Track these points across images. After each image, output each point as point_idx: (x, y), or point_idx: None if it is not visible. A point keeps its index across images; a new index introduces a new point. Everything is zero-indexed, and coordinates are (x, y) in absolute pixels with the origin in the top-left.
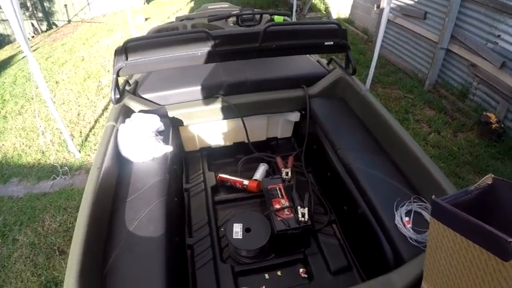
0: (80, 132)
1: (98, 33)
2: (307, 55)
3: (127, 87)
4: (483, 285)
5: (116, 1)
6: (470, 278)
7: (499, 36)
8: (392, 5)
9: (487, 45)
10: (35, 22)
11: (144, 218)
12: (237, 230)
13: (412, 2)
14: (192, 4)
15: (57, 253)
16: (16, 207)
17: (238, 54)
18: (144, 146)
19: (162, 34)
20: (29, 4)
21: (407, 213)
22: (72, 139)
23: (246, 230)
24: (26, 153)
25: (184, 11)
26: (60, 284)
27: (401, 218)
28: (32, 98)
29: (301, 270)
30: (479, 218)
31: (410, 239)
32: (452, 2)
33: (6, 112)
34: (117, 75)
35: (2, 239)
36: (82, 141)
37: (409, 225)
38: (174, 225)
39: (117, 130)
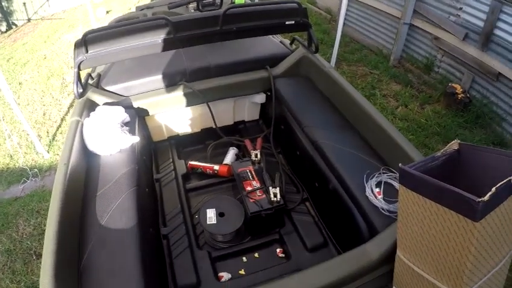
0: (47, 132)
1: (59, 30)
2: (270, 36)
3: (90, 81)
4: (456, 247)
5: None
6: (442, 242)
7: (460, 8)
8: None
9: (450, 18)
10: None
11: (115, 211)
12: (211, 215)
13: None
14: None
15: (34, 257)
16: None
17: (199, 39)
18: (110, 139)
19: (121, 24)
20: None
21: (378, 185)
22: (40, 140)
23: (220, 215)
24: None
25: (146, 1)
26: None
27: (372, 190)
28: None
29: (278, 250)
30: (447, 183)
31: (382, 209)
32: None
33: None
34: (79, 69)
35: None
36: (50, 141)
37: (380, 196)
38: (147, 216)
39: (82, 125)
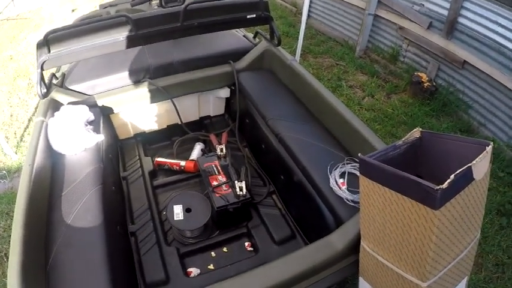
0: (15, 133)
1: (25, 30)
2: (234, 30)
3: (54, 81)
4: (417, 236)
5: None
6: (404, 231)
7: None
8: None
9: (414, 7)
10: None
11: (81, 210)
12: (178, 211)
13: None
14: None
15: (5, 259)
16: None
17: (161, 35)
18: (74, 138)
19: (82, 22)
20: None
21: (342, 175)
22: (7, 141)
23: (187, 211)
24: None
25: None
26: None
27: (336, 181)
28: None
29: (246, 243)
30: (410, 172)
31: (347, 200)
32: None
33: None
34: (42, 69)
35: None
36: (17, 142)
37: (344, 187)
38: (114, 214)
39: (47, 125)
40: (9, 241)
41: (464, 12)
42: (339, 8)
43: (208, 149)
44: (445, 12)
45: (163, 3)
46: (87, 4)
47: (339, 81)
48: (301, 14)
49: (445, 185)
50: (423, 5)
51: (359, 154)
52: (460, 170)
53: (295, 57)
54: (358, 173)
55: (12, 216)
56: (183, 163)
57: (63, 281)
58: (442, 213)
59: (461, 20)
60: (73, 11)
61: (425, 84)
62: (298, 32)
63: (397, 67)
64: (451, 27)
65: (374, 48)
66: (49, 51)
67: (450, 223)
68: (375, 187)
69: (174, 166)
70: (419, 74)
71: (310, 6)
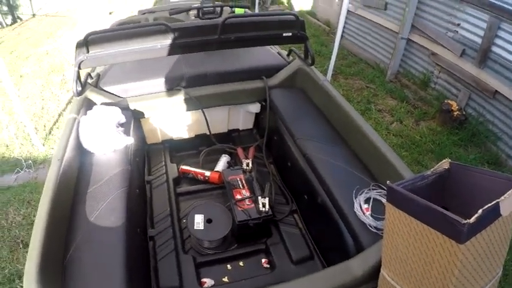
0: (44, 125)
1: (63, 27)
2: (268, 46)
3: (89, 80)
4: (439, 268)
5: None
6: (426, 262)
7: (458, 24)
8: None
9: (447, 33)
10: None
11: (104, 209)
12: (199, 220)
13: None
14: None
15: (21, 246)
16: None
17: (198, 46)
18: (105, 138)
19: (122, 27)
20: None
21: (367, 201)
22: (36, 132)
23: (208, 221)
24: None
25: (149, 5)
26: (23, 276)
27: (361, 206)
28: None
29: (263, 260)
30: (437, 203)
31: (370, 226)
32: None
33: None
34: (79, 68)
35: None
36: (46, 135)
37: (368, 213)
38: (136, 217)
39: (79, 122)
40: (27, 229)
41: (498, 41)
42: (372, 30)
43: (233, 162)
44: (479, 40)
45: (200, 15)
46: (124, 7)
47: (368, 104)
48: (334, 33)
49: (472, 220)
50: (457, 31)
51: (387, 182)
52: (488, 205)
53: (327, 77)
54: (383, 200)
55: (33, 205)
56: (208, 173)
57: (80, 277)
58: (466, 248)
59: (494, 49)
60: (110, 13)
61: (455, 113)
62: (330, 52)
63: (428, 93)
64: (484, 55)
65: (405, 73)
66: (88, 52)
67: (474, 258)
68: (401, 216)
69: (199, 175)
70: (449, 102)
71: (343, 26)
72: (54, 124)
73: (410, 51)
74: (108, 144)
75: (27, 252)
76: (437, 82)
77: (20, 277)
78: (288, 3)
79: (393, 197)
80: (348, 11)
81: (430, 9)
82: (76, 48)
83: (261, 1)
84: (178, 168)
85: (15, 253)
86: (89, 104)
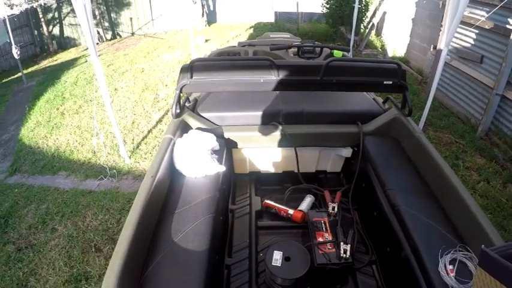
0: (133, 139)
1: (159, 48)
2: (364, 92)
3: (187, 104)
4: None
5: (178, 20)
6: None
7: None
8: (449, 47)
9: None
10: (100, 30)
11: (191, 231)
12: (277, 257)
13: (469, 45)
14: (251, 31)
15: (94, 249)
16: (60, 199)
17: (300, 85)
18: (198, 162)
19: (227, 58)
20: (97, 13)
21: (452, 262)
22: (124, 145)
23: (286, 259)
24: (78, 150)
25: (244, 36)
26: (90, 279)
27: (446, 266)
28: (91, 100)
29: None
30: None
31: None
32: (510, 46)
33: (64, 109)
34: (180, 91)
35: (42, 226)
36: (133, 148)
37: (452, 274)
38: (217, 244)
39: (174, 143)
40: (102, 234)
41: None
42: (466, 83)
43: (318, 204)
44: None
45: (300, 53)
46: (219, 37)
47: (456, 160)
48: (425, 82)
49: None
50: None
51: (482, 246)
52: None
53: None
54: (468, 263)
55: (111, 213)
56: (291, 211)
57: None
58: None
59: None
60: (206, 41)
61: None
62: (421, 101)
63: None
64: None
65: (497, 131)
66: (191, 77)
67: None
68: (492, 283)
69: (282, 212)
70: None
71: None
72: (143, 140)
73: (504, 108)
74: (200, 169)
75: (98, 256)
76: None
77: (88, 279)
78: (381, 48)
79: (486, 263)
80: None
81: None
82: (180, 72)
83: (355, 44)
84: (262, 202)
85: (86, 255)
86: (185, 127)
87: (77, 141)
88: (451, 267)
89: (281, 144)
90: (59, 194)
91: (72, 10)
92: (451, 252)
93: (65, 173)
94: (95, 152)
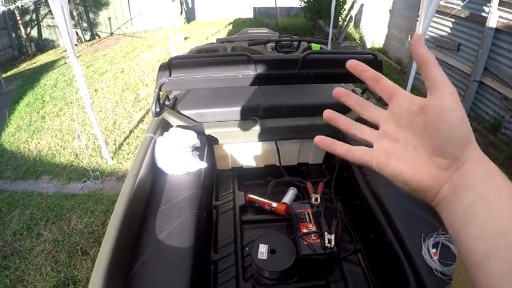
0: (115, 140)
1: (139, 48)
2: (342, 84)
3: (167, 102)
4: None
5: (157, 18)
6: None
7: None
8: (426, 36)
9: None
10: (79, 31)
11: (175, 229)
12: (262, 250)
13: (445, 34)
14: (230, 27)
15: (80, 253)
16: (44, 203)
17: (278, 79)
18: (180, 160)
19: (205, 54)
20: (75, 13)
21: (435, 245)
22: (107, 146)
23: (271, 252)
24: (59, 153)
25: (223, 33)
26: (78, 283)
27: (429, 250)
28: (71, 102)
29: None
30: None
31: (436, 271)
32: (486, 34)
33: (45, 112)
34: (159, 90)
35: (27, 232)
36: (116, 149)
37: (435, 257)
38: (202, 240)
39: (155, 142)
40: (88, 237)
41: None
42: (444, 71)
43: (301, 196)
44: None
45: (278, 48)
46: (198, 35)
47: None
48: (405, 72)
49: None
50: None
51: None
52: None
53: None
54: (451, 246)
55: (96, 215)
56: (274, 204)
57: None
58: None
59: None
60: (186, 39)
61: None
62: None
63: (498, 139)
64: None
65: (475, 116)
66: (170, 75)
67: None
68: None
69: (266, 206)
70: None
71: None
72: (125, 140)
73: (481, 94)
74: (182, 166)
75: (84, 259)
76: (508, 127)
77: (75, 283)
78: (360, 40)
79: None
80: None
81: (504, 52)
82: (159, 70)
83: (334, 37)
84: (245, 197)
85: (72, 259)
86: (165, 125)
87: (58, 144)
88: (434, 250)
89: (262, 138)
90: (42, 198)
91: (50, 11)
92: (434, 235)
93: (47, 177)
94: (77, 155)
